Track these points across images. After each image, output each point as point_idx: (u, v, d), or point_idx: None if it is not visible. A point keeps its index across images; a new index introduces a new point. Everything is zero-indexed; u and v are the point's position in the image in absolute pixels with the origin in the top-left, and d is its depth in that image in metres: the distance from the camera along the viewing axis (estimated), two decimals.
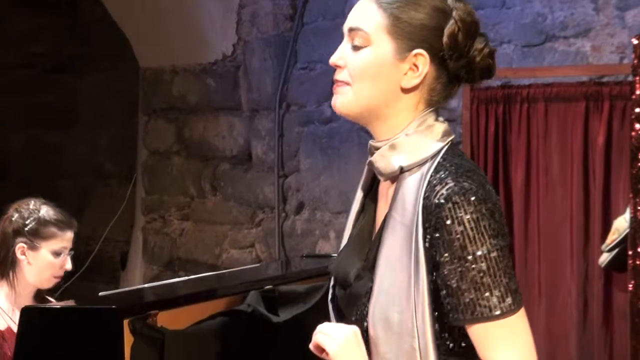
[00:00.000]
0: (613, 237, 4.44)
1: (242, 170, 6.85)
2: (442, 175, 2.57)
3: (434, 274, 2.56)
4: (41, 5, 8.48)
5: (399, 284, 2.60)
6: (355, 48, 2.66)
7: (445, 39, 2.62)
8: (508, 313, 2.56)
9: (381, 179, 2.73)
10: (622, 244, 4.35)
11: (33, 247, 4.29)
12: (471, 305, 2.56)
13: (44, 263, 4.30)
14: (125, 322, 3.48)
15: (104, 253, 7.97)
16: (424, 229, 2.56)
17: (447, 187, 2.53)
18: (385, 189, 2.74)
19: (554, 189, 4.73)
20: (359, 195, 2.87)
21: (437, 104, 2.68)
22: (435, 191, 2.55)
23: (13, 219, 4.32)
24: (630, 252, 4.17)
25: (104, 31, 7.63)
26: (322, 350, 2.67)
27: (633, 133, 4.15)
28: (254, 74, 6.70)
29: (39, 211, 4.31)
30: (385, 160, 2.68)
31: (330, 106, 6.31)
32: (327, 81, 6.21)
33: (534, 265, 4.80)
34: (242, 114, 6.82)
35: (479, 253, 2.53)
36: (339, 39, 6.53)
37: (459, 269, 2.53)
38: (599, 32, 5.12)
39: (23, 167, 7.99)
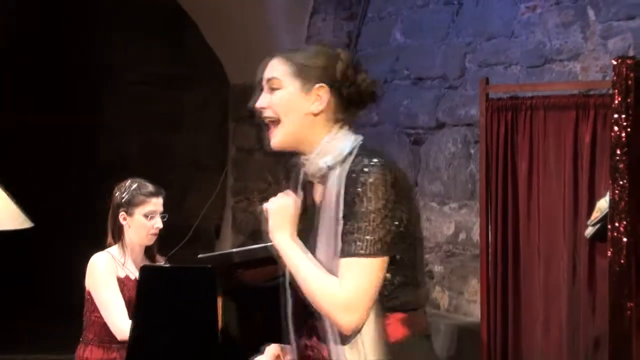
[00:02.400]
0: (596, 214, 4.43)
1: None
2: (361, 156, 2.73)
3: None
4: (153, 35, 8.53)
5: (328, 253, 2.73)
6: (272, 91, 2.82)
7: (338, 74, 2.80)
8: (371, 255, 2.67)
9: (314, 181, 2.87)
10: (604, 220, 4.34)
11: (130, 214, 4.44)
12: (349, 244, 2.68)
13: (139, 224, 4.47)
14: (217, 278, 3.51)
15: (202, 227, 8.04)
16: (343, 194, 2.71)
17: (365, 161, 2.70)
18: (318, 190, 2.86)
19: (551, 178, 4.71)
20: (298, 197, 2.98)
21: (343, 121, 2.83)
22: (356, 165, 2.71)
23: (115, 195, 4.50)
24: (609, 226, 4.18)
25: (203, 55, 7.67)
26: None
27: (613, 134, 4.17)
28: None
29: (131, 186, 4.51)
30: (314, 165, 2.82)
31: (377, 113, 6.39)
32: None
33: (535, 236, 4.77)
34: None
35: (370, 207, 2.66)
36: (383, 61, 6.51)
37: (355, 217, 2.67)
38: (587, 56, 5.12)
39: (140, 162, 8.06)
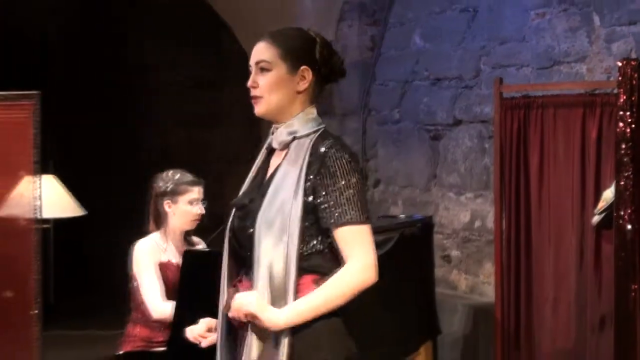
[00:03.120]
0: (602, 204, 4.45)
1: None
2: (323, 140, 2.84)
3: (311, 197, 2.80)
4: (194, 40, 8.59)
5: (281, 202, 2.82)
6: (263, 72, 2.90)
7: (317, 55, 2.89)
8: (365, 222, 2.79)
9: (277, 147, 2.93)
10: (609, 209, 4.37)
11: (174, 201, 4.48)
12: (343, 214, 2.78)
13: (183, 211, 4.51)
14: None
15: None
16: (308, 169, 2.79)
17: (328, 144, 2.82)
18: (278, 154, 2.93)
19: (560, 170, 4.74)
20: (259, 161, 3.05)
21: (315, 99, 2.94)
22: (320, 147, 2.82)
23: (158, 185, 4.53)
24: (615, 214, 4.25)
25: (238, 58, 7.71)
26: (243, 317, 2.83)
27: (618, 130, 4.25)
28: (345, 89, 6.71)
29: (174, 176, 4.55)
30: (282, 135, 2.90)
31: (399, 111, 6.41)
32: (396, 94, 6.31)
33: (545, 224, 4.81)
34: (335, 117, 6.84)
35: (352, 181, 2.79)
36: (404, 64, 6.50)
37: (338, 190, 2.78)
38: (592, 58, 5.14)
39: (181, 155, 8.11)
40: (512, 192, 4.89)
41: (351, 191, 2.79)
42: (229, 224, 2.99)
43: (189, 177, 4.56)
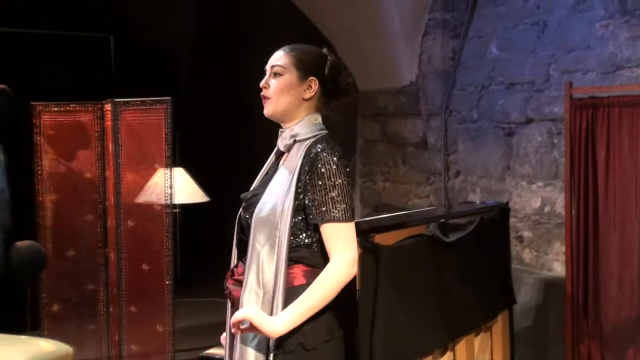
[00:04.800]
0: None
1: (421, 151, 6.76)
2: (317, 143, 2.77)
3: (302, 195, 2.73)
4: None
5: (276, 197, 2.75)
6: (276, 76, 2.88)
7: (326, 71, 2.86)
8: (348, 220, 2.73)
9: (282, 149, 2.90)
10: None
11: None
12: (328, 212, 2.71)
13: None
14: (356, 240, 3.41)
15: None
16: (301, 169, 2.73)
17: (320, 147, 2.74)
18: (284, 157, 2.89)
19: (625, 162, 4.56)
20: (270, 161, 3.01)
21: (320, 109, 2.89)
22: (313, 150, 2.75)
23: None
24: None
25: None
26: (240, 324, 2.71)
27: None
28: (429, 93, 6.60)
29: None
30: (286, 138, 2.88)
31: (476, 111, 6.22)
32: (474, 97, 6.13)
33: (611, 210, 4.63)
34: (421, 117, 6.72)
35: (338, 182, 2.70)
36: (482, 71, 6.29)
37: (324, 190, 2.70)
38: None
39: None
40: (582, 182, 4.72)
41: (336, 191, 2.70)
42: (238, 215, 2.95)
43: None
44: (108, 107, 5.47)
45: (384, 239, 3.44)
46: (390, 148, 7.10)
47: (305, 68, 2.85)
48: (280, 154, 2.95)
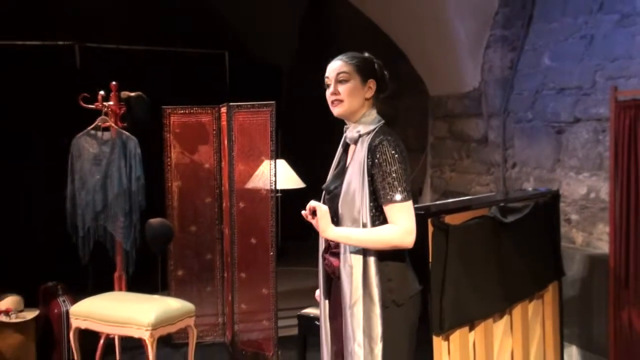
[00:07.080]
0: None
1: (482, 146, 6.60)
2: (376, 137, 2.77)
3: (370, 182, 2.75)
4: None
5: (354, 188, 2.76)
6: (342, 83, 2.87)
7: (378, 73, 2.90)
8: (404, 200, 2.72)
9: (350, 142, 2.91)
10: None
11: None
12: (386, 194, 2.72)
13: None
14: (429, 220, 3.37)
15: (412, 189, 7.88)
16: (367, 159, 2.74)
17: (377, 140, 2.75)
18: (352, 149, 2.89)
19: None
20: (339, 152, 3.00)
21: (374, 105, 2.89)
22: (373, 143, 2.75)
23: None
24: None
25: (411, 76, 7.48)
26: (312, 213, 2.82)
27: None
28: (490, 97, 6.42)
29: None
30: (352, 133, 2.88)
31: (531, 113, 6.02)
32: (529, 101, 5.93)
33: None
34: (483, 118, 6.55)
35: (393, 168, 2.71)
36: (536, 78, 6.07)
37: (382, 177, 2.71)
38: None
39: None
40: (624, 172, 4.49)
41: (394, 175, 2.69)
42: (322, 200, 2.94)
43: None
44: (224, 109, 5.52)
45: (453, 219, 3.38)
46: (456, 144, 6.95)
47: (364, 73, 2.86)
48: (346, 146, 2.96)
